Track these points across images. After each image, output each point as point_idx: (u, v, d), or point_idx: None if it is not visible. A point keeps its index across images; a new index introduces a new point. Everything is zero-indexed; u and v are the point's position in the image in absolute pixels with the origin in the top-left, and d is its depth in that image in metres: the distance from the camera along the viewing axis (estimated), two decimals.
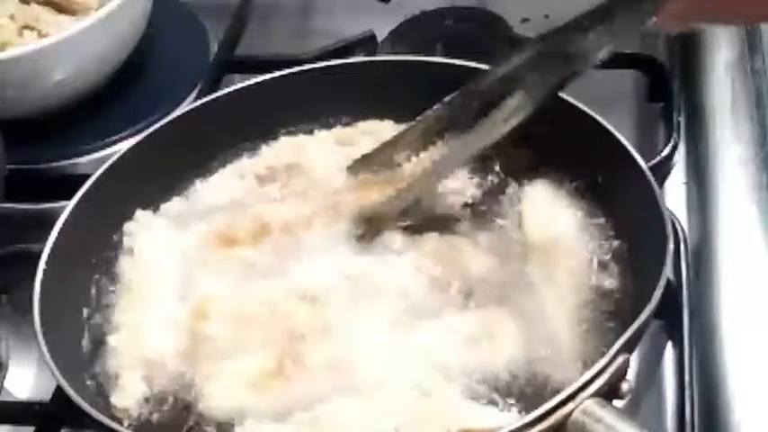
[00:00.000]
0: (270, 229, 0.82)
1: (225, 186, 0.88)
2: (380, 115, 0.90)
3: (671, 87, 0.96)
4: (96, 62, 1.02)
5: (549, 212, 0.82)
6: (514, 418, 0.67)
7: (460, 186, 0.84)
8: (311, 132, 0.91)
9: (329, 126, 0.91)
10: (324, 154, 0.89)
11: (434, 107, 0.82)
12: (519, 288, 0.76)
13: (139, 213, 0.85)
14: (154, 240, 0.84)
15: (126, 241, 0.84)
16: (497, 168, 0.85)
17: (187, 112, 0.91)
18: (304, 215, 0.82)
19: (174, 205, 0.87)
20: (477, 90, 0.80)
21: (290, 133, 0.91)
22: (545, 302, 0.75)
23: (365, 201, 0.82)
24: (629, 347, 0.66)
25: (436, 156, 0.82)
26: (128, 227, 0.84)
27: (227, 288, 0.79)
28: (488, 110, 0.78)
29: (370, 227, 0.80)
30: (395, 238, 0.80)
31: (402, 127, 0.86)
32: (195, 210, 0.86)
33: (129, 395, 0.73)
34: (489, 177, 0.85)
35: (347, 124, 0.91)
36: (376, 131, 0.89)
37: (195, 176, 0.89)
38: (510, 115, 0.77)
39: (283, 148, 0.90)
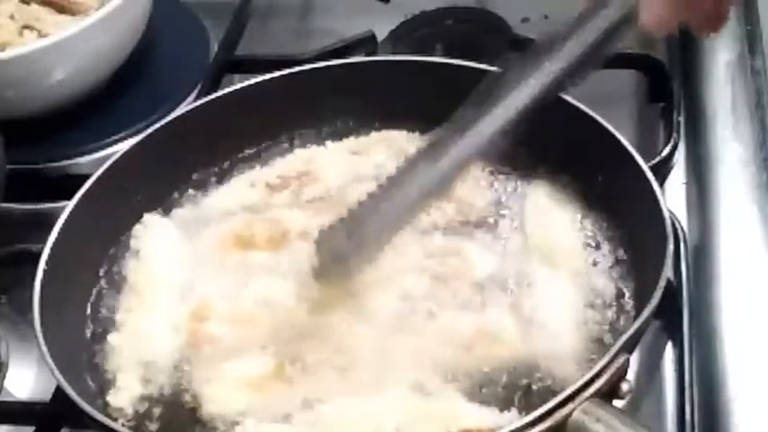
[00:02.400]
0: (286, 235, 0.82)
1: (235, 193, 0.88)
2: (381, 116, 0.90)
3: (671, 87, 0.96)
4: (96, 62, 1.02)
5: (549, 213, 0.82)
6: (514, 418, 0.67)
7: (462, 186, 0.84)
8: (321, 143, 0.91)
9: (331, 128, 0.91)
10: (336, 162, 0.89)
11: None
12: (520, 288, 0.76)
13: (147, 216, 0.85)
14: (161, 243, 0.84)
15: (133, 243, 0.84)
16: (498, 169, 0.85)
17: (187, 112, 0.91)
18: (316, 222, 0.82)
19: (183, 209, 0.87)
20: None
21: (297, 139, 0.91)
22: (545, 303, 0.75)
23: None
24: (629, 347, 0.66)
25: None
26: (135, 230, 0.84)
27: (228, 290, 0.79)
28: None
29: None
30: (397, 239, 0.80)
31: (416, 136, 0.87)
32: (206, 214, 0.86)
33: (124, 395, 0.74)
34: (490, 178, 0.85)
35: (356, 131, 0.91)
36: (390, 140, 0.89)
37: (198, 178, 0.89)
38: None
39: (296, 159, 0.90)
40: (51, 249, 0.77)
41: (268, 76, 0.91)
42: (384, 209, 0.72)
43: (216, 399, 0.72)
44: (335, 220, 0.73)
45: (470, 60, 0.87)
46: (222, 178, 0.90)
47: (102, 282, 0.82)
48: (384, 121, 0.90)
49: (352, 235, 0.72)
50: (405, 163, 0.71)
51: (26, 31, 1.04)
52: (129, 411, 0.73)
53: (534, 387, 0.70)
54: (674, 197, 0.90)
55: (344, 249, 0.72)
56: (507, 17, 1.07)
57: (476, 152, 0.70)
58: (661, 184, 0.77)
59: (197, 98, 0.99)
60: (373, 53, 1.06)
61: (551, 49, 0.66)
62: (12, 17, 1.05)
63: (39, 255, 0.77)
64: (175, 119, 0.90)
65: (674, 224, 0.80)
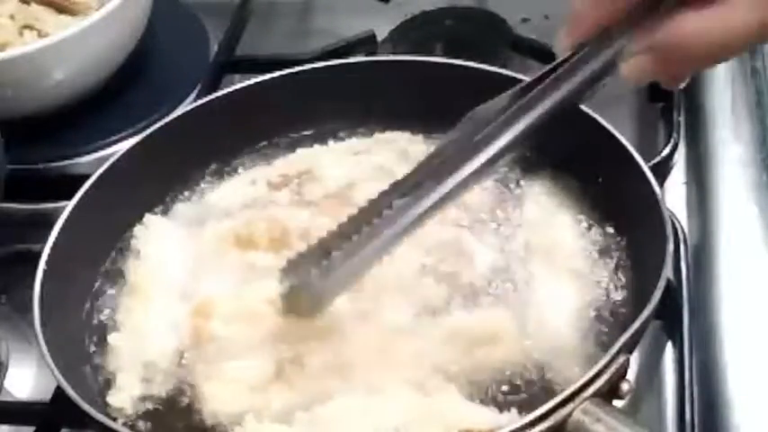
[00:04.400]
0: (286, 234, 0.81)
1: (236, 191, 0.88)
2: (381, 116, 0.90)
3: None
4: (96, 62, 1.03)
5: (549, 213, 0.82)
6: (514, 418, 0.67)
7: None
8: (323, 142, 0.91)
9: (331, 128, 0.91)
10: (337, 162, 0.88)
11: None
12: (520, 288, 0.76)
13: (148, 216, 0.85)
14: (162, 243, 0.83)
15: (133, 243, 0.84)
16: (498, 169, 0.85)
17: (187, 111, 0.91)
18: (317, 222, 0.82)
19: (183, 209, 0.87)
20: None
21: (298, 139, 0.91)
22: (546, 302, 0.75)
23: None
24: (629, 347, 0.66)
25: None
26: (136, 230, 0.84)
27: (229, 289, 0.79)
28: None
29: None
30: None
31: (419, 138, 0.88)
32: (206, 213, 0.86)
33: (125, 395, 0.73)
34: (490, 178, 0.85)
35: (357, 132, 0.91)
36: (391, 141, 0.89)
37: (198, 178, 0.89)
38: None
39: (297, 158, 0.90)
40: (51, 249, 0.77)
41: (268, 76, 0.91)
42: (357, 241, 0.67)
43: (216, 398, 0.72)
44: (303, 250, 0.69)
45: (470, 60, 0.87)
46: (222, 177, 0.90)
47: (103, 281, 0.82)
48: (385, 122, 0.90)
49: (319, 265, 0.68)
50: (382, 193, 0.68)
51: (26, 31, 1.05)
52: (130, 411, 0.73)
53: (534, 387, 0.70)
54: (674, 197, 0.90)
55: (312, 279, 0.68)
56: (507, 17, 1.07)
57: (457, 190, 0.68)
58: (661, 184, 0.77)
59: (197, 98, 0.99)
60: (373, 53, 1.06)
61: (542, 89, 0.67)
62: (12, 17, 1.05)
63: (39, 255, 0.77)
64: (175, 119, 0.90)
65: (674, 224, 0.80)
